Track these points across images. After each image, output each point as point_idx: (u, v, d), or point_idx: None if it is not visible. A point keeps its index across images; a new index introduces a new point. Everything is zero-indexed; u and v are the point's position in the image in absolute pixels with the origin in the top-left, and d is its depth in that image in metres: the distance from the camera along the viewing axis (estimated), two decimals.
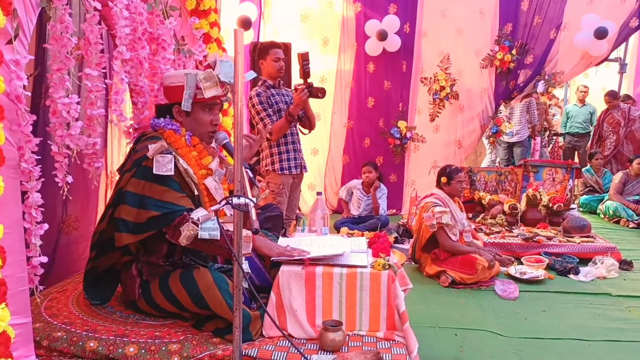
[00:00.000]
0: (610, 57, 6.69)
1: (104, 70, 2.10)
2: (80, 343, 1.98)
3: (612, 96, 7.37)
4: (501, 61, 6.29)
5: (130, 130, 2.43)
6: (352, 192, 5.85)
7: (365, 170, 5.70)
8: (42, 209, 1.80)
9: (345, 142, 6.62)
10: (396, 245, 5.23)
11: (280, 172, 3.97)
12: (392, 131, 6.50)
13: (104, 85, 2.12)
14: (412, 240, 4.64)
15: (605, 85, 9.05)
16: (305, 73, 3.78)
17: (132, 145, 2.35)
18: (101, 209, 3.05)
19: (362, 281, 2.12)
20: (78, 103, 1.93)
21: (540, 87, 6.32)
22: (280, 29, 6.34)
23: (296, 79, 5.93)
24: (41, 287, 1.90)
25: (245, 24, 5.04)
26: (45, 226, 1.80)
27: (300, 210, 6.02)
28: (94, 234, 2.32)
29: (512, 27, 6.33)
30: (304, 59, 3.74)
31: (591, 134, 7.93)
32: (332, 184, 6.64)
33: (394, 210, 6.59)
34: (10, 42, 1.62)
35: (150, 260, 2.25)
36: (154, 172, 2.04)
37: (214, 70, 2.27)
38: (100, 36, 2.04)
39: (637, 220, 6.15)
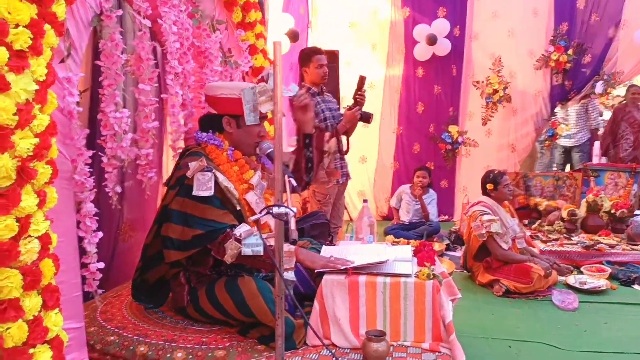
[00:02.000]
0: None
1: (156, 85, 2.18)
2: (132, 347, 2.05)
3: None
4: (556, 62, 6.07)
5: (176, 143, 2.51)
6: (402, 198, 5.79)
7: (420, 174, 5.63)
8: (97, 218, 1.89)
9: (395, 148, 6.56)
10: (448, 252, 5.13)
11: (327, 184, 3.98)
12: (443, 136, 6.40)
13: (157, 99, 2.20)
14: (463, 248, 4.54)
15: None
16: (360, 96, 3.81)
17: (177, 159, 2.42)
18: None
19: (407, 291, 2.09)
20: (128, 117, 2.01)
21: (599, 87, 6.05)
22: (328, 38, 6.37)
23: (343, 86, 5.98)
24: (100, 291, 1.99)
25: (294, 36, 5.11)
26: (100, 234, 1.89)
27: (350, 217, 6.02)
28: (143, 248, 2.40)
29: (568, 27, 6.10)
30: (363, 82, 3.79)
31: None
32: (382, 191, 6.59)
33: (446, 217, 6.46)
34: (62, 60, 1.71)
35: (198, 270, 2.31)
36: (194, 192, 2.08)
37: (267, 83, 2.31)
38: (151, 52, 2.13)
39: None
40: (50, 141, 1.52)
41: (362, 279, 2.13)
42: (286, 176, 1.85)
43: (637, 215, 5.29)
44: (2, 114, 1.37)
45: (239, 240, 2.05)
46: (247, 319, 2.13)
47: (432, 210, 5.62)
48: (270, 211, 1.72)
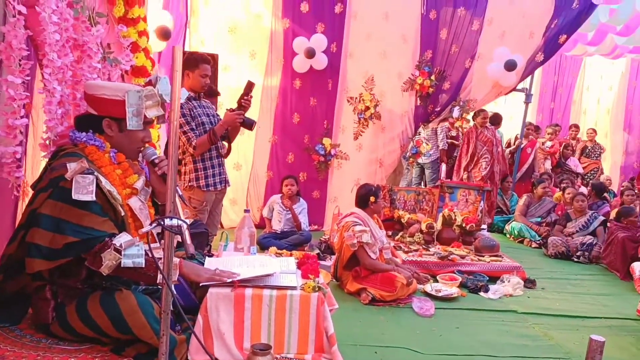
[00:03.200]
0: (517, 88, 7.20)
1: (27, 78, 1.96)
2: None
3: (494, 118, 7.78)
4: (421, 85, 6.59)
5: (48, 142, 2.28)
6: (273, 208, 5.85)
7: (287, 182, 5.72)
8: None
9: (270, 157, 6.60)
10: (318, 262, 5.28)
11: (205, 189, 3.88)
12: (317, 148, 6.58)
13: (28, 94, 1.98)
14: (334, 258, 4.71)
15: (512, 113, 9.76)
16: (246, 101, 3.80)
17: (48, 160, 2.20)
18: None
19: (292, 303, 2.12)
20: None
21: (456, 112, 6.69)
22: (207, 40, 6.25)
23: (220, 90, 5.89)
24: None
25: (165, 34, 4.86)
26: None
27: (222, 225, 5.92)
28: (1, 257, 2.14)
29: (432, 54, 6.66)
30: (251, 88, 3.79)
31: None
32: (255, 199, 6.59)
33: (316, 226, 6.65)
34: None
35: (67, 283, 2.11)
36: (73, 196, 1.91)
37: (155, 87, 2.19)
38: (25, 41, 1.92)
39: (538, 240, 6.64)
40: None
41: (249, 291, 2.11)
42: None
43: (483, 229, 5.92)
44: None
45: (118, 251, 1.92)
46: (124, 336, 2.00)
47: (303, 220, 5.75)
48: (162, 223, 1.64)
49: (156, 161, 2.24)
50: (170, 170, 1.70)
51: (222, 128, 3.81)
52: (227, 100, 5.94)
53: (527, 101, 7.86)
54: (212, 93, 3.81)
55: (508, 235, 7.04)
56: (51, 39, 2.01)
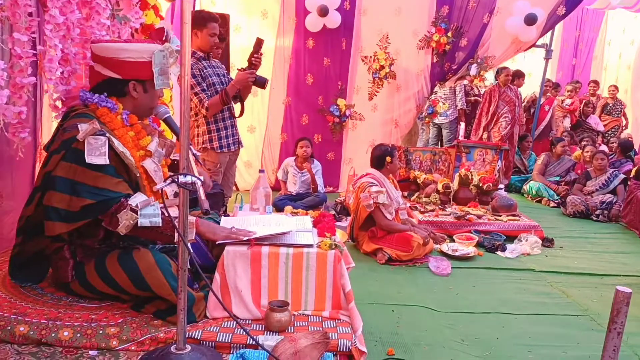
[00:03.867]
0: (537, 43, 6.98)
1: (34, 36, 1.92)
2: (9, 327, 1.85)
3: (517, 75, 7.59)
4: (437, 43, 6.42)
5: (57, 103, 2.25)
6: (287, 171, 5.83)
7: (302, 144, 5.68)
8: None
9: (284, 119, 6.55)
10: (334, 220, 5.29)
11: (219, 150, 3.86)
12: (331, 109, 6.50)
13: (35, 52, 1.94)
14: (349, 219, 4.70)
15: (531, 70, 9.50)
16: (256, 59, 3.71)
17: (59, 121, 2.18)
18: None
19: (309, 261, 2.11)
20: (3, 70, 1.76)
21: (473, 69, 6.51)
22: None
23: (232, 51, 5.80)
24: None
25: None
26: None
27: (237, 187, 5.94)
28: (20, 218, 2.15)
29: (449, 10, 6.45)
30: (260, 45, 3.69)
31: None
32: (270, 161, 6.57)
33: (332, 188, 6.64)
34: None
35: (85, 243, 2.12)
36: (87, 158, 1.90)
37: (169, 43, 2.16)
38: None
39: (557, 200, 6.55)
40: None
41: (265, 249, 2.11)
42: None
43: (500, 189, 5.85)
44: None
45: (134, 211, 1.92)
46: (143, 293, 2.01)
47: (318, 182, 5.73)
48: (176, 180, 1.62)
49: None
50: (182, 128, 1.67)
51: (234, 88, 3.75)
52: (238, 61, 5.86)
53: (547, 57, 7.63)
54: (260, 84, 3.74)
55: (526, 195, 6.97)
56: None
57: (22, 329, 1.85)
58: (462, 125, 7.93)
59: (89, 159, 1.92)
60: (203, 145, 3.87)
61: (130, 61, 2.10)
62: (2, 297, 2.05)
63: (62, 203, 1.96)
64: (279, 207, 5.51)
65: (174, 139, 2.41)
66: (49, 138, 2.19)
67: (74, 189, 1.95)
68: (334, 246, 2.16)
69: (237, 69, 3.84)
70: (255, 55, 3.72)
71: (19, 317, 1.90)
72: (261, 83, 3.79)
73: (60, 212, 1.96)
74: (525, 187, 7.01)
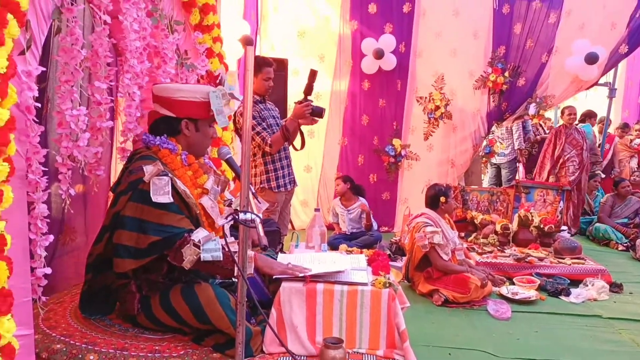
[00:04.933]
0: (599, 82, 6.81)
1: (112, 83, 2.11)
2: (80, 356, 1.96)
3: (588, 115, 7.34)
4: (494, 83, 6.39)
5: (128, 145, 2.43)
6: (336, 212, 5.89)
7: (336, 183, 5.81)
8: (48, 220, 1.80)
9: (340, 159, 6.65)
10: (389, 262, 5.25)
11: (276, 190, 3.97)
12: (387, 149, 6.55)
13: (112, 98, 2.13)
14: (405, 259, 4.66)
15: (595, 109, 9.21)
16: (309, 88, 3.82)
17: (125, 163, 2.34)
18: None
19: (363, 299, 2.13)
20: (85, 115, 1.94)
21: (532, 109, 6.41)
22: (277, 44, 6.40)
23: (290, 95, 6.00)
24: (44, 298, 1.89)
25: (248, 42, 5.12)
26: (51, 237, 1.80)
27: (293, 226, 6.03)
28: (89, 255, 2.30)
29: (505, 50, 6.44)
30: (314, 76, 3.79)
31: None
32: (325, 201, 6.65)
33: (387, 228, 6.61)
34: (22, 53, 1.63)
35: (150, 277, 2.23)
36: (152, 197, 2.03)
37: (223, 86, 2.30)
38: (109, 49, 2.06)
39: (626, 243, 6.23)
40: (9, 137, 1.44)
41: (320, 286, 2.15)
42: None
43: (563, 230, 5.64)
44: None
45: (197, 246, 2.02)
46: (203, 326, 2.09)
47: (363, 221, 5.72)
48: (236, 217, 1.71)
49: None
50: (244, 167, 1.77)
51: (294, 121, 3.85)
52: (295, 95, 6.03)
53: (611, 96, 7.41)
54: (317, 113, 3.87)
55: (591, 238, 6.66)
56: (132, 46, 2.14)
57: (92, 357, 1.96)
58: (521, 165, 7.75)
59: (155, 198, 2.05)
60: (261, 185, 3.99)
61: (183, 100, 2.25)
62: (73, 327, 2.18)
63: (131, 241, 2.09)
64: (334, 246, 5.52)
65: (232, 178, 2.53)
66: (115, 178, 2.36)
67: (141, 227, 2.07)
68: (388, 285, 2.17)
69: (294, 102, 3.97)
70: (310, 87, 3.83)
71: (89, 347, 2.01)
72: (319, 112, 3.86)
73: (130, 250, 2.09)
74: (591, 229, 6.71)
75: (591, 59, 6.08)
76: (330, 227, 6.29)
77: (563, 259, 4.98)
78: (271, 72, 3.93)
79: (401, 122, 6.62)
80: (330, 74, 6.50)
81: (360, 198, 5.82)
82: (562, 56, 6.33)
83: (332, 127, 6.55)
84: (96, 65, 2.06)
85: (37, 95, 1.67)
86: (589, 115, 7.31)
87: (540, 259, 4.92)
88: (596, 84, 6.72)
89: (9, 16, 1.46)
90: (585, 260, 5.00)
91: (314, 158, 6.59)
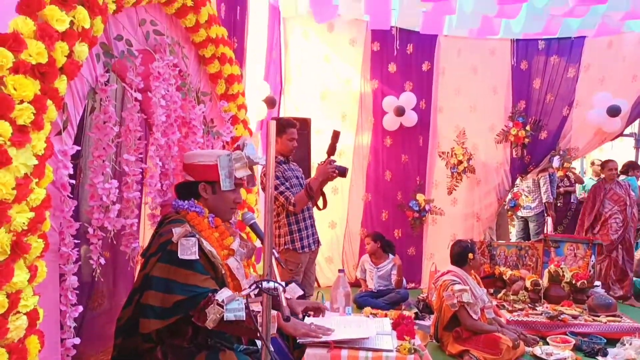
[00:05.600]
0: (625, 133, 6.77)
1: (141, 155, 2.21)
2: None
3: (631, 167, 7.07)
4: (515, 136, 6.42)
5: (156, 211, 2.51)
6: (365, 268, 5.86)
7: (365, 242, 5.83)
8: (78, 291, 1.85)
9: (364, 215, 6.66)
10: (417, 321, 5.15)
11: (300, 251, 3.98)
12: (411, 204, 6.55)
13: (141, 169, 2.22)
14: (433, 317, 4.57)
15: (621, 159, 9.11)
16: (332, 148, 3.91)
17: (155, 228, 2.42)
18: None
19: None
20: (117, 188, 2.02)
21: (556, 162, 6.38)
22: (300, 105, 6.58)
23: (314, 153, 6.11)
24: None
25: (271, 102, 5.32)
26: (80, 308, 1.84)
27: (318, 283, 5.99)
28: (118, 319, 2.34)
29: (525, 104, 6.50)
30: (337, 137, 3.89)
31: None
32: (350, 257, 6.62)
33: (413, 284, 6.51)
34: (59, 133, 1.73)
35: (175, 342, 2.24)
36: (179, 256, 2.08)
37: (242, 151, 2.39)
38: (139, 123, 2.17)
39: None
40: (45, 215, 1.52)
41: (345, 352, 2.13)
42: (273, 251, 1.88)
43: (596, 286, 5.48)
44: (2, 189, 1.37)
45: (221, 305, 2.04)
46: None
47: (394, 276, 5.67)
48: (260, 285, 1.74)
49: None
50: (266, 235, 1.81)
51: (317, 181, 3.90)
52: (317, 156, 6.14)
53: (637, 146, 7.34)
54: (341, 173, 3.95)
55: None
56: (158, 120, 2.26)
57: None
58: (550, 219, 7.61)
59: (182, 256, 2.10)
60: (285, 247, 4.00)
61: (200, 164, 2.35)
62: None
63: (157, 300, 2.13)
64: (360, 304, 5.47)
65: (258, 242, 2.57)
66: (145, 244, 2.42)
67: (167, 286, 2.11)
68: (413, 350, 2.14)
69: (318, 163, 4.04)
70: (335, 141, 3.91)
71: None
72: (342, 172, 3.91)
73: (155, 309, 2.12)
74: None
75: (613, 111, 6.07)
76: (356, 283, 6.25)
77: (598, 316, 4.82)
78: (295, 133, 4.03)
79: (424, 177, 6.64)
80: (352, 132, 6.62)
81: (391, 255, 5.79)
82: (583, 109, 6.35)
83: (355, 183, 6.61)
84: (128, 139, 2.16)
85: (71, 172, 1.76)
86: (633, 167, 6.95)
87: (574, 317, 4.77)
88: (621, 134, 6.67)
89: (48, 102, 1.56)
90: (621, 317, 4.83)
91: (339, 214, 6.62)
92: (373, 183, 6.65)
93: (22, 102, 1.47)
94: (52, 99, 1.58)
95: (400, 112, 6.35)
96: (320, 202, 4.13)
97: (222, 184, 2.34)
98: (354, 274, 6.50)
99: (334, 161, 3.93)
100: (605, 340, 4.38)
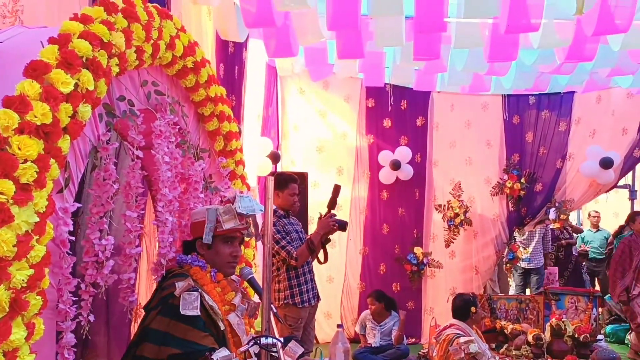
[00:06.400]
0: (619, 184, 6.84)
1: (143, 212, 2.24)
2: None
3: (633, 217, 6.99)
4: (511, 189, 6.48)
5: (159, 266, 2.51)
6: (365, 324, 5.78)
7: (368, 302, 5.75)
8: (75, 349, 1.83)
9: (361, 268, 6.62)
10: None
11: (300, 306, 3.95)
12: (409, 257, 6.53)
13: (142, 225, 2.24)
14: None
15: (617, 210, 9.16)
16: (333, 202, 3.96)
17: (158, 282, 2.42)
18: None
19: None
20: (113, 244, 2.04)
21: (552, 214, 6.43)
22: (297, 159, 6.67)
23: (311, 207, 6.14)
24: None
25: (275, 158, 5.46)
26: None
27: (317, 339, 5.87)
28: None
29: (519, 157, 6.61)
30: (338, 192, 3.98)
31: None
32: (349, 311, 6.53)
33: (413, 339, 6.39)
34: (61, 191, 1.77)
35: None
36: (181, 311, 2.07)
37: (233, 204, 2.42)
38: (141, 181, 2.21)
39: None
40: (44, 272, 1.53)
41: None
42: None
43: (599, 340, 5.39)
44: (3, 246, 1.39)
45: None
46: None
47: (394, 332, 5.60)
48: (258, 342, 1.72)
49: None
50: (265, 290, 1.81)
51: (318, 235, 3.94)
52: (316, 215, 6.16)
53: (632, 197, 7.40)
54: (341, 227, 4.04)
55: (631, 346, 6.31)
56: (164, 177, 2.30)
57: None
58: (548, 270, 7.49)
59: (184, 311, 2.09)
60: (285, 301, 3.96)
61: (195, 222, 2.39)
62: None
63: (152, 353, 2.10)
64: None
65: (256, 297, 2.56)
66: (143, 298, 2.42)
67: (164, 339, 2.09)
68: None
69: (320, 213, 4.09)
70: (335, 195, 3.98)
71: None
72: (342, 226, 3.99)
73: None
74: (630, 337, 6.37)
75: (606, 164, 6.17)
76: (355, 338, 6.14)
77: None
78: (296, 188, 4.10)
79: (421, 230, 6.66)
80: (349, 185, 6.67)
81: (393, 312, 5.73)
82: (576, 161, 6.47)
83: (353, 236, 6.61)
84: (128, 196, 2.20)
85: (71, 229, 1.78)
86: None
87: None
88: (615, 186, 6.75)
89: (51, 160, 1.61)
90: None
91: (336, 268, 6.57)
92: (370, 236, 6.65)
93: (25, 161, 1.51)
94: (55, 158, 1.62)
95: (396, 166, 6.44)
96: (321, 256, 4.14)
97: (204, 237, 2.35)
98: (353, 329, 6.40)
99: (335, 215, 3.98)
100: None
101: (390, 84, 6.48)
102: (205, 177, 2.99)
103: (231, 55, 4.73)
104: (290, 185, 4.05)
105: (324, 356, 3.27)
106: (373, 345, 5.62)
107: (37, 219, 1.51)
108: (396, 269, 6.60)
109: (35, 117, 1.56)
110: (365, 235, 6.66)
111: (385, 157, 6.55)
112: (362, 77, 6.39)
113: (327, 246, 4.25)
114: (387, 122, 6.64)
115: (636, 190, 7.44)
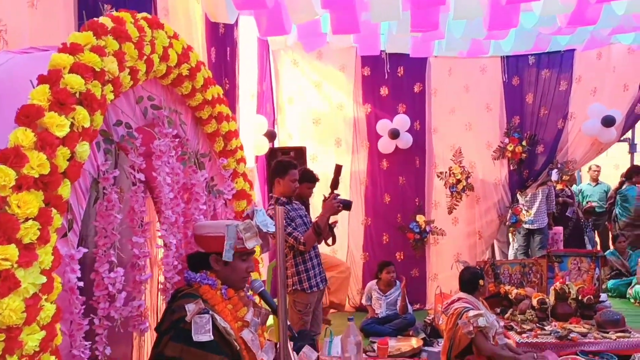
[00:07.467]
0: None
1: (148, 236, 2.18)
2: None
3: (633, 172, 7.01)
4: (512, 152, 6.43)
5: (168, 285, 2.47)
6: (371, 295, 5.84)
7: (389, 270, 5.76)
8: None
9: (364, 239, 6.64)
10: (426, 348, 5.13)
11: (309, 291, 3.97)
12: (411, 226, 6.53)
13: (149, 250, 2.19)
14: (442, 345, 4.53)
15: (617, 163, 9.16)
16: (336, 182, 3.92)
17: (167, 302, 2.38)
18: None
19: None
20: (122, 275, 1.99)
21: (554, 175, 6.40)
22: (294, 133, 6.57)
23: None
24: None
25: (271, 135, 5.36)
26: None
27: (326, 320, 5.95)
28: None
29: (520, 120, 6.53)
30: (339, 171, 3.95)
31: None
32: (353, 282, 6.59)
33: (418, 305, 6.49)
34: (65, 235, 1.70)
35: None
36: (193, 336, 2.05)
37: (252, 219, 2.35)
38: (144, 204, 2.14)
39: None
40: (56, 330, 1.48)
41: None
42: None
43: (603, 300, 5.47)
44: (12, 315, 1.33)
45: None
46: None
47: (399, 302, 5.68)
48: None
49: None
50: (280, 307, 1.78)
51: (324, 217, 3.92)
52: (317, 190, 6.12)
53: (632, 151, 7.38)
54: (346, 206, 3.99)
55: (632, 300, 6.43)
56: (166, 199, 2.22)
57: None
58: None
59: (196, 337, 2.06)
60: (293, 287, 4.00)
61: (210, 236, 2.31)
62: None
63: None
64: (367, 332, 5.45)
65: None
66: (153, 318, 2.38)
67: None
68: None
69: (323, 200, 4.07)
70: (337, 175, 3.96)
71: None
72: (347, 205, 3.99)
73: None
74: (631, 291, 6.49)
75: (608, 121, 6.10)
76: (361, 308, 6.23)
77: (607, 332, 4.80)
78: (296, 174, 4.05)
79: (423, 198, 6.64)
80: (348, 156, 6.61)
81: (398, 282, 5.80)
82: (578, 121, 6.39)
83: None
84: (133, 221, 2.13)
85: (79, 275, 1.72)
86: (638, 172, 7.09)
87: (584, 335, 4.75)
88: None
89: (53, 211, 1.53)
90: (630, 332, 4.81)
91: (339, 240, 6.53)
92: (372, 207, 6.63)
93: (27, 219, 1.43)
94: (56, 208, 1.54)
95: (394, 134, 6.35)
96: (329, 239, 4.15)
97: (224, 255, 2.29)
98: (358, 299, 6.48)
99: (338, 195, 3.95)
100: (616, 358, 4.37)
101: (386, 52, 6.30)
102: (208, 181, 2.91)
103: (222, 37, 4.56)
104: (290, 172, 4.00)
105: (334, 335, 3.30)
106: (380, 316, 5.69)
107: (45, 279, 1.45)
108: (399, 238, 6.62)
109: (32, 169, 1.48)
110: (366, 206, 6.65)
111: (383, 126, 6.45)
112: (356, 46, 6.20)
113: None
114: (384, 91, 6.50)
115: (636, 144, 7.40)
